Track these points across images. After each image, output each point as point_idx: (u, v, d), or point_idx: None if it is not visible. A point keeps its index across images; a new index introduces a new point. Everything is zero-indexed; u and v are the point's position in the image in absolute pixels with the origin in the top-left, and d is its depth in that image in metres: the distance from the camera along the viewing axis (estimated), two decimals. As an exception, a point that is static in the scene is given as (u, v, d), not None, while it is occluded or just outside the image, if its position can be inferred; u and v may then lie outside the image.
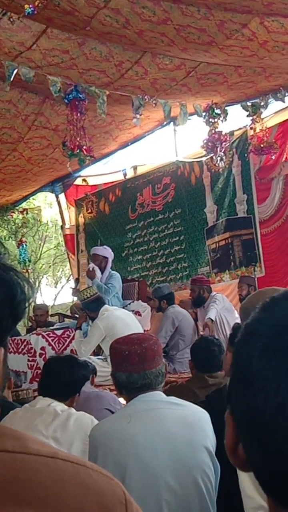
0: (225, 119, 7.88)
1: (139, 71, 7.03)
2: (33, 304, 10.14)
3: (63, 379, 3.08)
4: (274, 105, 8.18)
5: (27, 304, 0.86)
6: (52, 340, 6.72)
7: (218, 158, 7.91)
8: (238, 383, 0.73)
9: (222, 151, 7.78)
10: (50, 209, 18.01)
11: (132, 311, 7.12)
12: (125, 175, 10.95)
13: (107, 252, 7.44)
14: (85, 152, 6.66)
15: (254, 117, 8.07)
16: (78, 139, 6.69)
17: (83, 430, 2.89)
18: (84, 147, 6.68)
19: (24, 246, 11.63)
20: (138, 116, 7.07)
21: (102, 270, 7.16)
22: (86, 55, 6.60)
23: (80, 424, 2.93)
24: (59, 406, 2.99)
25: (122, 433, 2.33)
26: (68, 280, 21.14)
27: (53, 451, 0.79)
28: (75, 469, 0.78)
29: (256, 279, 7.75)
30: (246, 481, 1.96)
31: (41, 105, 7.94)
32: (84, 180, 11.27)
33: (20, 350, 6.69)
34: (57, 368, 3.16)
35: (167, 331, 7.07)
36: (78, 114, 6.77)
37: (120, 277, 7.57)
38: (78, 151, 6.61)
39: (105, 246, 7.91)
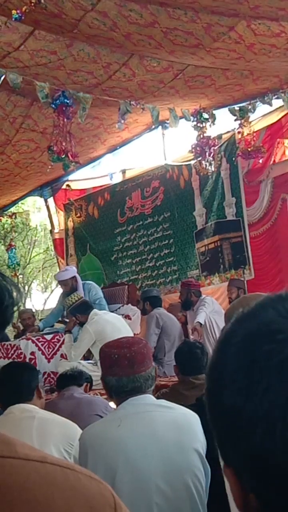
0: (213, 124, 7.90)
1: (127, 73, 7.03)
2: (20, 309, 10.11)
3: (19, 382, 3.08)
4: (262, 108, 8.23)
5: (14, 309, 0.86)
6: (42, 345, 6.70)
7: (207, 163, 7.92)
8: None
9: (211, 155, 7.79)
10: (39, 214, 18.02)
11: (122, 315, 7.11)
12: (111, 178, 10.99)
13: (70, 272, 7.28)
14: (70, 158, 6.65)
15: (242, 121, 8.09)
16: (64, 144, 6.68)
17: (60, 439, 2.91)
18: (70, 153, 6.66)
19: (13, 250, 11.59)
20: (122, 121, 7.09)
21: (75, 289, 6.95)
22: (73, 56, 6.59)
23: (61, 432, 2.96)
24: (36, 413, 2.99)
25: (112, 437, 2.33)
26: (57, 285, 21.10)
27: (42, 455, 0.78)
28: (64, 473, 0.77)
29: (245, 282, 7.78)
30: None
31: (28, 108, 7.92)
32: (67, 185, 11.28)
33: (10, 355, 6.66)
34: (9, 375, 3.16)
35: (154, 330, 7.10)
36: (65, 119, 6.76)
37: (96, 284, 7.53)
38: (63, 156, 6.60)
39: (66, 268, 7.86)
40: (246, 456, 0.67)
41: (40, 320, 8.61)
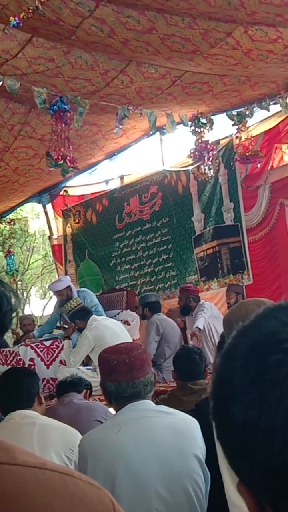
0: (211, 128, 7.91)
1: (125, 79, 7.04)
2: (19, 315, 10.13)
3: (19, 388, 3.08)
4: (259, 113, 8.24)
5: (13, 315, 0.86)
6: (41, 351, 6.70)
7: (206, 167, 7.93)
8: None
9: (210, 160, 7.81)
10: (38, 220, 18.02)
11: (121, 320, 7.11)
12: (107, 183, 11.05)
13: (64, 282, 7.26)
14: (68, 163, 6.65)
15: (240, 126, 8.10)
16: (62, 149, 6.68)
17: (61, 445, 2.91)
18: (68, 158, 6.66)
19: (12, 256, 11.58)
20: (120, 126, 7.09)
21: (70, 298, 6.91)
22: (71, 64, 6.60)
23: (62, 438, 2.95)
24: (36, 419, 2.98)
25: (112, 443, 2.32)
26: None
27: (41, 461, 0.78)
28: (63, 479, 0.77)
29: (244, 287, 7.76)
30: (232, 489, 1.95)
31: (27, 115, 7.93)
32: (65, 191, 11.30)
33: (9, 361, 6.66)
34: (9, 381, 3.16)
35: (154, 337, 7.09)
36: (63, 125, 6.77)
37: (90, 291, 7.53)
38: (61, 161, 6.60)
39: (60, 278, 7.86)
40: (263, 469, 0.66)
41: (39, 326, 8.61)
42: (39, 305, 23.32)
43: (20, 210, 13.99)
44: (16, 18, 5.15)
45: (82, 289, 7.58)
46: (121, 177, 11.07)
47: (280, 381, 0.65)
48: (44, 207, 11.84)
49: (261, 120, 8.63)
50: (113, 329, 5.99)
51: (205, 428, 2.40)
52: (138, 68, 6.88)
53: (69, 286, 7.10)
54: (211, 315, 7.19)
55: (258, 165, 8.27)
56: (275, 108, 7.97)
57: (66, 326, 6.86)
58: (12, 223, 12.02)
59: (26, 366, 6.40)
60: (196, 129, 7.79)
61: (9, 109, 7.74)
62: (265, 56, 6.36)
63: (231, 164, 8.74)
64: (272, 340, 0.69)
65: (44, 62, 6.54)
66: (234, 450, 0.70)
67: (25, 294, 21.96)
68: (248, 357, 0.69)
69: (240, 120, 8.01)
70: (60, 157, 6.60)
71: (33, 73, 6.66)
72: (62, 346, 6.50)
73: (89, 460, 2.33)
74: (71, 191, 11.63)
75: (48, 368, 6.61)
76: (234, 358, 0.71)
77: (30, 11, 5.05)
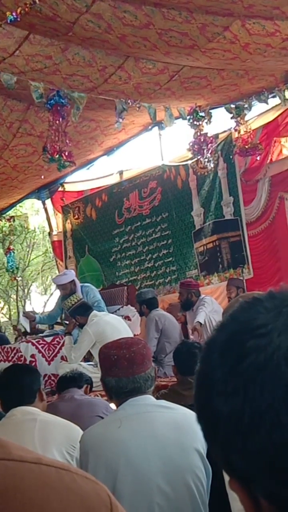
0: (210, 122, 7.90)
1: (123, 75, 7.03)
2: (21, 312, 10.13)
3: (20, 384, 3.09)
4: (258, 107, 8.24)
5: None
6: (42, 347, 6.70)
7: (206, 160, 7.92)
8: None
9: (209, 152, 7.79)
10: (38, 216, 18.01)
11: (122, 316, 7.11)
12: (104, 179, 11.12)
13: (69, 276, 7.25)
14: (65, 158, 6.62)
15: (238, 119, 8.09)
16: (59, 144, 6.66)
17: (62, 441, 2.92)
18: (64, 153, 6.64)
19: (12, 253, 11.58)
20: (120, 120, 7.07)
21: (73, 293, 6.86)
22: (69, 61, 6.59)
23: (63, 434, 2.96)
24: (37, 416, 2.99)
25: (113, 438, 2.33)
26: (56, 288, 21.07)
27: (37, 457, 0.78)
28: (59, 474, 0.77)
29: (244, 281, 7.77)
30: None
31: (25, 112, 7.92)
32: (62, 185, 11.30)
33: (10, 358, 6.66)
34: (11, 377, 3.17)
35: (154, 334, 7.10)
36: (60, 119, 6.75)
37: (93, 286, 7.53)
38: (57, 156, 6.57)
39: (64, 272, 7.86)
40: (255, 456, 0.66)
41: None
42: (39, 301, 23.33)
43: (20, 206, 13.99)
44: (13, 13, 5.14)
45: (86, 284, 7.57)
46: (120, 172, 11.06)
47: (262, 365, 0.65)
48: (44, 203, 11.84)
49: (259, 114, 8.63)
50: (114, 325, 5.99)
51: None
52: (136, 64, 6.86)
53: (73, 281, 7.12)
54: (212, 309, 7.20)
55: (258, 158, 8.26)
56: (273, 101, 7.96)
57: (67, 322, 6.86)
58: (12, 220, 12.01)
59: (27, 362, 6.40)
60: (195, 122, 7.77)
61: (7, 107, 7.73)
62: (263, 49, 6.35)
63: (230, 158, 8.73)
64: (248, 327, 0.69)
65: (42, 60, 6.52)
66: (223, 444, 0.70)
67: (25, 291, 21.97)
68: (225, 347, 0.70)
69: (238, 113, 8.00)
70: (55, 151, 6.58)
71: (30, 71, 6.65)
72: (63, 342, 6.51)
73: (90, 455, 2.33)
74: (71, 187, 11.63)
75: (49, 364, 6.61)
76: (212, 351, 0.71)
77: (27, 5, 5.04)
